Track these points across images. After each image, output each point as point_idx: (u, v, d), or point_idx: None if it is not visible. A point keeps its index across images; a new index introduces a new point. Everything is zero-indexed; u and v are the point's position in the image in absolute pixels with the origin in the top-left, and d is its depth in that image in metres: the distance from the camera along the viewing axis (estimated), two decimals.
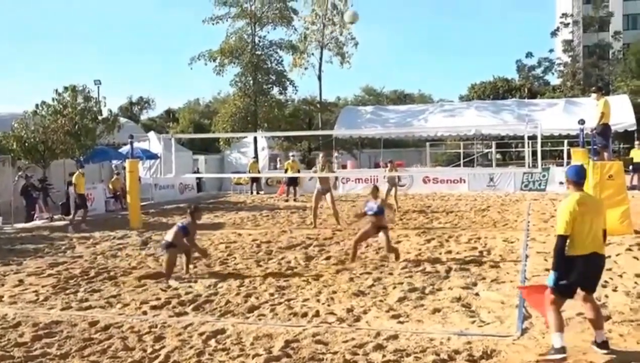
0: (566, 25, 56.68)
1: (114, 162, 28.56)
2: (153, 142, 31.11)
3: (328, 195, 16.23)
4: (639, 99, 37.82)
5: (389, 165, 20.81)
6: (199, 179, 31.41)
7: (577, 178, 6.07)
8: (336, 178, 17.65)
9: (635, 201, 19.54)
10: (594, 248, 5.80)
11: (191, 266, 10.96)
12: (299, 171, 26.94)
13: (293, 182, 26.27)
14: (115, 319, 7.76)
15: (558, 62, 56.46)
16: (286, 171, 26.50)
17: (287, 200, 25.52)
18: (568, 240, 5.81)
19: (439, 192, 27.03)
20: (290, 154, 28.99)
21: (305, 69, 40.68)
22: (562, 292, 5.90)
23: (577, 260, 5.80)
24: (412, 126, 33.50)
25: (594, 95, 14.85)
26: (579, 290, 5.98)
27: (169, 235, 10.23)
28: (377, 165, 36.46)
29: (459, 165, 35.68)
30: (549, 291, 5.94)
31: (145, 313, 8.04)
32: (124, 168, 20.39)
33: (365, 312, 7.73)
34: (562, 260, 5.82)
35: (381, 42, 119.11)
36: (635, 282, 8.84)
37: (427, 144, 37.64)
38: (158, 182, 27.83)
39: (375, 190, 11.31)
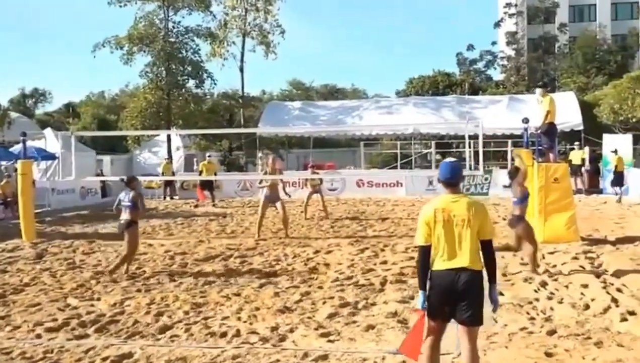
0: (510, 15, 58.37)
1: (3, 163, 27.63)
2: (50, 140, 30.27)
3: (279, 204, 16.06)
4: (586, 97, 39.28)
5: (310, 169, 21.27)
6: (103, 182, 30.72)
7: (445, 176, 5.56)
8: (284, 183, 17.83)
9: (582, 206, 20.34)
10: (460, 263, 5.30)
11: (93, 282, 10.74)
12: (215, 173, 26.71)
13: (209, 185, 26.01)
14: (3, 344, 7.49)
15: (501, 55, 58.05)
16: (201, 173, 26.20)
17: (197, 206, 25.26)
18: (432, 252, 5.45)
19: (374, 196, 27.35)
20: (207, 154, 28.65)
21: (225, 59, 40.62)
22: (431, 314, 5.45)
23: (436, 275, 5.39)
24: (344, 124, 33.88)
25: (538, 91, 15.34)
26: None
27: (125, 214, 11.36)
28: (305, 167, 36.61)
29: (395, 167, 36.26)
30: (420, 315, 5.51)
31: (39, 336, 7.80)
32: (16, 170, 19.75)
33: (291, 331, 7.73)
34: (424, 275, 5.43)
35: (310, 31, 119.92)
36: (582, 293, 9.17)
37: (361, 143, 38.07)
38: (56, 186, 27.07)
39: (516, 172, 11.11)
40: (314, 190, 20.56)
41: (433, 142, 37.36)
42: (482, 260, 5.39)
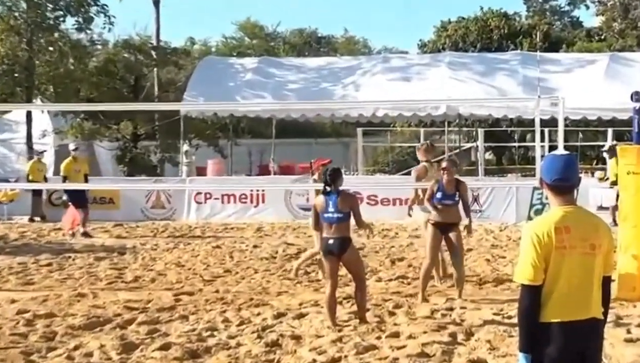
0: None
1: None
2: None
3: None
4: None
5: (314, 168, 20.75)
6: None
7: (557, 176, 5.92)
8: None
9: None
10: (588, 312, 5.80)
11: None
12: (86, 177, 25.79)
13: (79, 198, 25.25)
14: None
15: None
16: (65, 179, 25.29)
17: (73, 234, 24.89)
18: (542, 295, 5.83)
19: (380, 220, 27.26)
20: (71, 145, 27.59)
21: None
22: None
23: (556, 331, 5.77)
24: (331, 98, 33.79)
25: None
26: None
27: None
28: (264, 170, 36.49)
29: None
30: None
31: None
32: None
33: None
34: (531, 330, 5.81)
35: None
36: None
37: (358, 131, 38.08)
38: None
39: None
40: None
41: (480, 131, 37.46)
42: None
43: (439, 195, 14.78)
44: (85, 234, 24.68)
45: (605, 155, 26.46)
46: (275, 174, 33.52)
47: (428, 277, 14.91)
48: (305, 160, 36.17)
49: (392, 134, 45.71)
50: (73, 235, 24.96)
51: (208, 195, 29.66)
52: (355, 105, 34.07)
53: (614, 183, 25.23)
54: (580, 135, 36.09)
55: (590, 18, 59.72)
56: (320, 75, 36.02)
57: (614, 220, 23.53)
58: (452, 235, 14.75)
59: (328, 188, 12.52)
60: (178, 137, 35.82)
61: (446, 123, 37.99)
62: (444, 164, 15.28)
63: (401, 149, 42.60)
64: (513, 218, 27.46)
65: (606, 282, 5.94)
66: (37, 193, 30.04)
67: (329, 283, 12.64)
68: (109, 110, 35.89)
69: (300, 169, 33.19)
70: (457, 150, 39.20)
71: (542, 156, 25.29)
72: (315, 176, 17.63)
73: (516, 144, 44.14)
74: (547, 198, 6.18)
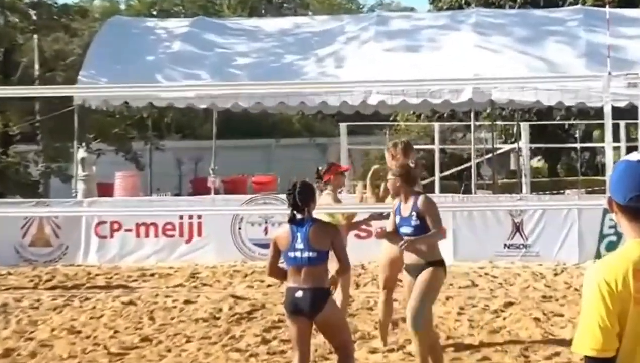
0: None
1: None
2: None
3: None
4: None
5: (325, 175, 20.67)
6: None
7: (630, 194, 5.39)
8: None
9: None
10: None
11: None
12: None
13: None
14: None
15: None
16: None
17: None
18: None
19: (375, 261, 27.20)
20: None
21: None
22: None
23: None
24: (301, 77, 33.73)
25: None
26: None
27: None
28: (201, 186, 36.59)
29: (429, 188, 36.45)
30: None
31: None
32: None
33: None
34: None
35: None
36: None
37: (342, 126, 38.21)
38: None
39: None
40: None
41: (524, 126, 37.61)
42: None
43: (397, 219, 14.50)
44: None
45: None
46: (217, 192, 33.28)
47: (435, 344, 14.83)
48: (261, 171, 36.42)
49: (392, 131, 45.75)
50: None
51: (116, 226, 29.45)
52: (337, 87, 33.90)
53: None
54: None
55: None
56: (284, 44, 36.02)
57: None
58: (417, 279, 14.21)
59: (298, 214, 11.98)
60: (70, 138, 35.78)
61: (472, 114, 38.03)
62: (388, 177, 15.17)
63: None
64: (574, 257, 27.53)
65: None
66: None
67: (296, 356, 12.46)
68: None
69: (255, 185, 33.27)
70: (490, 155, 39.19)
71: (615, 162, 25.72)
72: (328, 190, 17.25)
73: (577, 145, 44.06)
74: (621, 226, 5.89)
